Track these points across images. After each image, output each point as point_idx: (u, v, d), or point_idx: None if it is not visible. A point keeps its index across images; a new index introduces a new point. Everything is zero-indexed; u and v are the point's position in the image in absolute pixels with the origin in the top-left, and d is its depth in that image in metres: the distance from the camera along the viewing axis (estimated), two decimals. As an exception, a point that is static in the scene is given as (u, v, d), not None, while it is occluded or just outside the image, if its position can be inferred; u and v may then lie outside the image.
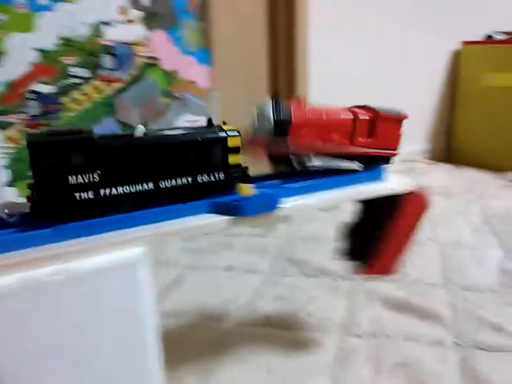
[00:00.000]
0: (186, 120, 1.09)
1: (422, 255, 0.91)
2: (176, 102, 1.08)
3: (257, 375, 0.58)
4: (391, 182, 0.53)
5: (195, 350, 0.63)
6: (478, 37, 1.61)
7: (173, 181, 0.41)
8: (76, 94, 0.96)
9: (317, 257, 0.89)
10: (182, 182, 0.41)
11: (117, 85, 0.99)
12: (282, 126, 0.46)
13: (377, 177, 0.53)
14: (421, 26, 1.55)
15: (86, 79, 0.97)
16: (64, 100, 0.95)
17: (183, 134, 0.41)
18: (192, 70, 1.08)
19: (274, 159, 0.51)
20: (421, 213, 0.55)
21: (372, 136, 0.52)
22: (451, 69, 1.68)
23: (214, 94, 1.12)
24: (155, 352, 0.39)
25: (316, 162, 0.49)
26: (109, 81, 0.99)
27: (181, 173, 0.41)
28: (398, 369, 0.58)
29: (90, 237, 0.37)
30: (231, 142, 0.42)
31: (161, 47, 1.02)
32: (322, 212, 1.15)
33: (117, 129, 1.00)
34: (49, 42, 0.92)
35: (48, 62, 0.93)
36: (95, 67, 0.98)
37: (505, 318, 0.68)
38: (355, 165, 0.52)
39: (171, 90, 1.07)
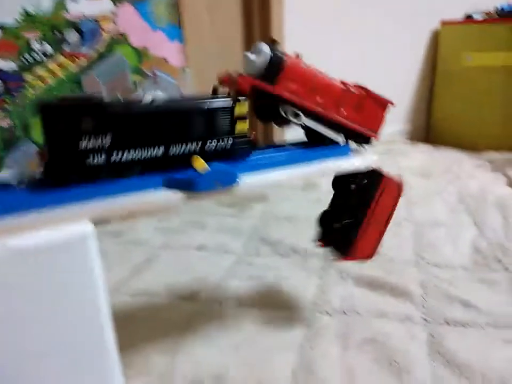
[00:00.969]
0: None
1: (397, 234, 0.90)
2: (146, 79, 1.05)
3: (224, 353, 0.57)
4: (359, 158, 0.52)
5: (163, 329, 0.62)
6: (458, 16, 1.60)
7: (182, 147, 0.41)
8: (39, 71, 0.92)
9: (291, 237, 0.88)
10: (190, 148, 0.41)
11: (83, 62, 0.95)
12: (276, 65, 0.45)
13: (344, 153, 0.51)
14: (400, 6, 1.53)
15: (50, 56, 0.93)
16: (27, 77, 0.91)
17: (191, 102, 0.42)
18: (163, 47, 1.04)
19: (260, 107, 0.49)
20: (397, 197, 0.55)
21: (357, 111, 0.51)
22: (430, 49, 1.67)
23: (186, 72, 1.09)
24: (108, 329, 0.37)
25: (305, 120, 0.48)
26: (75, 57, 0.95)
27: (189, 139, 0.41)
28: (366, 345, 0.58)
29: (34, 212, 0.35)
30: (238, 110, 0.43)
31: (129, 22, 0.97)
32: (298, 191, 1.14)
33: None
34: (11, 18, 0.88)
35: (9, 38, 0.88)
36: (59, 43, 0.93)
37: (474, 294, 0.68)
38: (340, 138, 0.51)
39: (141, 67, 1.04)
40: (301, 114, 0.48)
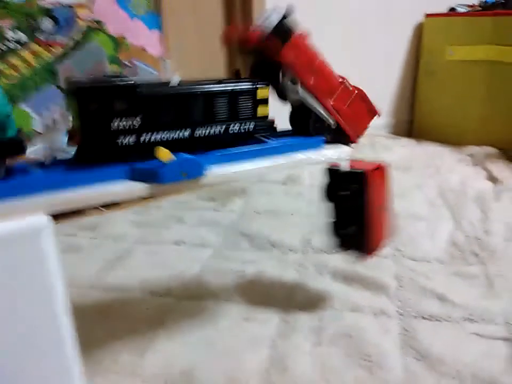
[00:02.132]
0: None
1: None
2: (125, 70, 1.03)
3: (196, 350, 0.56)
4: (332, 150, 0.51)
5: (134, 326, 0.61)
6: (442, 9, 1.60)
7: (207, 130, 0.42)
8: (13, 60, 0.89)
9: (270, 231, 0.87)
10: (215, 130, 0.43)
11: (58, 50, 0.93)
12: (287, 29, 0.46)
13: (318, 145, 0.50)
14: (384, -2, 1.52)
15: (24, 44, 0.90)
16: (0, 66, 0.88)
17: (216, 85, 0.43)
18: (141, 36, 1.01)
19: (258, 66, 0.49)
20: (385, 180, 0.57)
21: (346, 108, 0.52)
22: (414, 42, 1.67)
23: (166, 62, 1.07)
24: (66, 324, 0.36)
25: (300, 90, 0.48)
26: (49, 46, 0.92)
27: (213, 121, 0.43)
28: (339, 340, 0.58)
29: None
30: (260, 93, 0.45)
31: (106, 9, 0.95)
32: (279, 185, 1.13)
33: (59, 98, 0.93)
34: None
35: (-19, 24, 0.85)
36: (33, 31, 0.90)
37: (450, 288, 0.68)
38: (331, 121, 0.51)
39: (119, 57, 1.01)
40: (298, 82, 0.48)
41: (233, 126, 0.44)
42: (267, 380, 0.52)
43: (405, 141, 1.59)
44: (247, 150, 0.45)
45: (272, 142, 0.48)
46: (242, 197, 1.06)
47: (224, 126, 0.43)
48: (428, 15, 1.59)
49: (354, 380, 0.52)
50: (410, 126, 1.77)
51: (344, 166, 0.54)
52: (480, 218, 0.93)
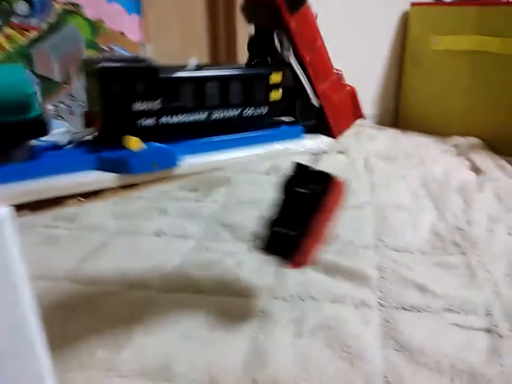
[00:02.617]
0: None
1: (358, 217, 0.90)
2: (101, 55, 0.99)
3: (174, 344, 0.55)
4: (312, 140, 0.49)
5: (110, 320, 0.59)
6: (428, -1, 1.59)
7: (223, 113, 0.43)
8: (-15, 44, 0.86)
9: (252, 222, 0.86)
10: (230, 114, 0.43)
11: (33, 34, 0.89)
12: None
13: (297, 135, 0.49)
14: (370, -14, 1.50)
15: (-4, 27, 0.86)
16: (-29, 49, 0.84)
17: (231, 69, 0.44)
18: (120, 20, 0.98)
19: (256, 40, 0.49)
20: (339, 203, 0.54)
21: (335, 97, 0.51)
22: (400, 31, 1.66)
23: (145, 48, 1.04)
24: (31, 319, 0.34)
25: (292, 58, 0.48)
26: (24, 29, 0.88)
27: (229, 105, 0.43)
28: (320, 331, 0.57)
29: None
30: (273, 78, 0.45)
31: (83, -8, 0.91)
32: (263, 175, 1.12)
33: (35, 83, 0.90)
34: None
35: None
36: (7, 14, 0.87)
37: (431, 278, 0.68)
38: (315, 102, 0.50)
39: (96, 41, 0.98)
40: (292, 51, 0.47)
41: (247, 110, 0.45)
42: (246, 373, 0.51)
43: (390, 131, 1.59)
44: (224, 139, 0.44)
45: (252, 132, 0.46)
46: (225, 187, 1.05)
47: (238, 110, 0.44)
48: (414, 4, 1.58)
49: (335, 372, 0.51)
50: (396, 116, 1.77)
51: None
52: (462, 209, 0.93)
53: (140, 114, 0.38)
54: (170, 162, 0.38)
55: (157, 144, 0.38)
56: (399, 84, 1.73)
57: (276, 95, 0.46)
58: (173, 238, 0.81)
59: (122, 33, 1.00)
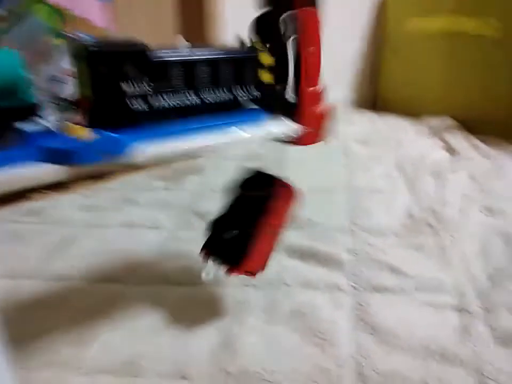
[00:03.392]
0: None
1: (333, 201, 0.89)
2: (67, 41, 0.95)
3: (141, 338, 0.53)
4: (276, 125, 0.48)
5: (76, 316, 0.57)
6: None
7: (214, 96, 0.43)
8: None
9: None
10: (221, 97, 0.44)
11: (-11, 22, 0.85)
12: None
13: (258, 120, 0.47)
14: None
15: None
16: None
17: (222, 51, 0.44)
18: (86, 6, 0.94)
19: (261, 21, 0.49)
20: (292, 205, 0.53)
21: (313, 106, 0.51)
22: (378, 14, 1.64)
23: (112, 35, 1.00)
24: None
25: (291, 42, 0.47)
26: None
27: (220, 87, 0.43)
28: (292, 318, 0.56)
29: None
30: (263, 60, 0.46)
31: (41, -24, 0.87)
32: (238, 162, 1.10)
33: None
34: None
35: None
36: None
37: (404, 260, 0.68)
38: (292, 98, 0.49)
39: (62, 29, 0.94)
40: (294, 36, 0.47)
41: (238, 92, 0.45)
42: (217, 364, 0.49)
43: (367, 114, 1.58)
44: (181, 126, 0.42)
45: (214, 118, 0.44)
46: (198, 175, 1.03)
47: (229, 92, 0.44)
48: (389, -15, 1.57)
49: (307, 359, 0.50)
50: (375, 99, 1.76)
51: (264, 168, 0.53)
52: (436, 190, 0.93)
53: (131, 97, 0.38)
54: (119, 150, 0.36)
55: (105, 132, 0.35)
56: (377, 67, 1.72)
57: (266, 76, 0.46)
58: (143, 229, 0.79)
59: (88, 20, 0.96)
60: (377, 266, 0.66)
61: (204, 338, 0.53)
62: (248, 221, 0.51)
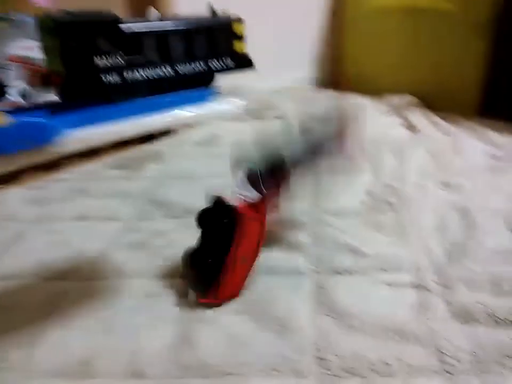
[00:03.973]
0: (24, 46, 0.90)
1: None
2: (10, 25, 0.89)
3: (94, 336, 0.51)
4: (222, 105, 0.46)
5: (24, 317, 0.54)
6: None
7: (189, 67, 0.43)
8: None
9: (185, 197, 0.82)
10: (195, 67, 0.43)
11: None
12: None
13: (204, 99, 0.45)
14: None
15: None
16: None
17: (194, 21, 0.43)
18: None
19: None
20: (260, 234, 0.56)
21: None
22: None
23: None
24: None
25: None
26: None
27: (194, 58, 0.43)
28: (251, 306, 0.55)
29: None
30: (236, 29, 0.45)
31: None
32: (197, 147, 1.07)
33: None
34: None
35: None
36: None
37: (364, 240, 0.67)
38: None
39: (3, 11, 0.87)
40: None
41: (213, 62, 0.44)
42: (173, 359, 0.48)
43: (329, 94, 1.57)
44: (119, 108, 0.39)
45: (158, 98, 0.42)
46: (156, 163, 0.99)
47: (204, 63, 0.44)
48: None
49: (266, 346, 0.49)
50: (337, 78, 1.75)
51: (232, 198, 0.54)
52: (396, 168, 0.94)
53: (103, 70, 0.37)
54: (45, 138, 0.33)
55: (28, 117, 0.32)
56: (339, 45, 1.70)
57: (240, 45, 0.46)
58: (98, 221, 0.76)
59: (31, 1, 0.89)
60: (337, 248, 0.66)
61: (160, 333, 0.51)
62: (218, 249, 0.53)
